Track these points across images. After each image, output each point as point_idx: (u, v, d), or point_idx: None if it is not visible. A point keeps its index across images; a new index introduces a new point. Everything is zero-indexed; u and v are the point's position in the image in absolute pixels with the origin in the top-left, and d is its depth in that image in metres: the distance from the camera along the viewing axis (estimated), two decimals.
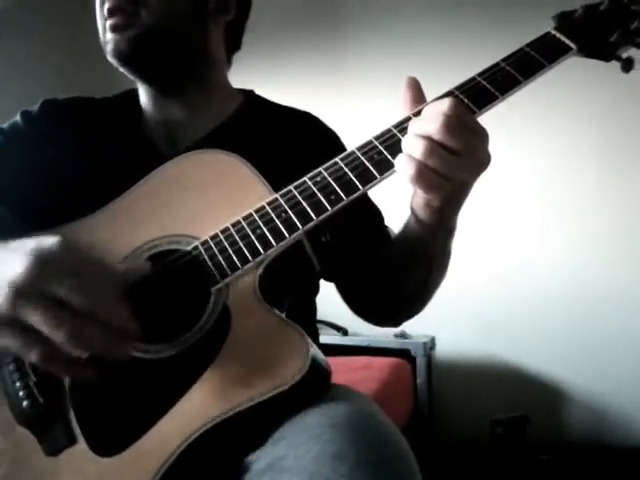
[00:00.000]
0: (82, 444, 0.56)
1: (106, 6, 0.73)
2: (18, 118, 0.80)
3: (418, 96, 0.62)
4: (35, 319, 0.48)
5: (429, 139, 0.55)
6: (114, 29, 0.73)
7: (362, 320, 0.86)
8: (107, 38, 0.74)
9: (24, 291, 0.48)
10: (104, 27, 0.74)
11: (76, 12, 2.44)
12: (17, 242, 0.52)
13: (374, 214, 0.85)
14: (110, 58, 0.75)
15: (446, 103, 0.56)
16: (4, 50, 2.21)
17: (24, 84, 2.17)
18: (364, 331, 2.18)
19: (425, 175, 0.55)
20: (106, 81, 1.99)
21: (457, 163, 0.55)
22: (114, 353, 0.51)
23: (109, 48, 0.74)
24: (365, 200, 0.83)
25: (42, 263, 0.49)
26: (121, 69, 0.76)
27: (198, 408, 0.54)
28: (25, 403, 0.58)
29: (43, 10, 2.36)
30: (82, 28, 2.42)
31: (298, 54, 2.38)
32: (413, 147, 0.56)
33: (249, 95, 0.87)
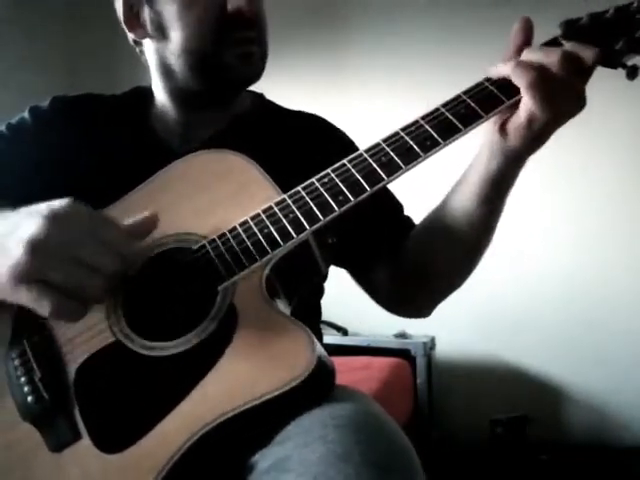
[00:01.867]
0: (86, 440, 0.56)
1: (241, 34, 0.73)
2: (26, 114, 0.80)
3: (526, 43, 0.64)
4: (54, 275, 0.49)
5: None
6: (248, 57, 0.74)
7: (396, 315, 0.85)
8: (230, 62, 0.73)
9: (40, 248, 0.49)
10: (222, 39, 0.73)
11: (76, 12, 2.45)
12: (26, 208, 0.54)
13: (394, 206, 0.84)
14: (225, 81, 0.76)
15: (584, 48, 0.59)
16: (4, 50, 2.21)
17: (24, 84, 2.17)
18: (364, 331, 2.19)
19: (541, 86, 0.57)
20: (106, 81, 1.99)
21: (572, 90, 0.59)
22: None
23: (234, 75, 0.75)
24: (385, 193, 0.82)
25: (56, 220, 0.50)
26: (227, 89, 0.78)
27: (203, 406, 0.54)
28: (30, 398, 0.58)
29: (43, 10, 2.37)
30: (82, 28, 2.43)
31: (298, 54, 2.38)
32: (539, 56, 0.59)
33: (259, 98, 0.88)
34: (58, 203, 0.52)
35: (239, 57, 0.73)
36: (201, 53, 0.73)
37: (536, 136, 0.62)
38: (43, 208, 0.52)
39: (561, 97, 0.59)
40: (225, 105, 0.81)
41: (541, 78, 0.58)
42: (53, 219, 0.50)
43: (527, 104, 0.59)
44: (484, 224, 0.70)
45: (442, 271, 0.76)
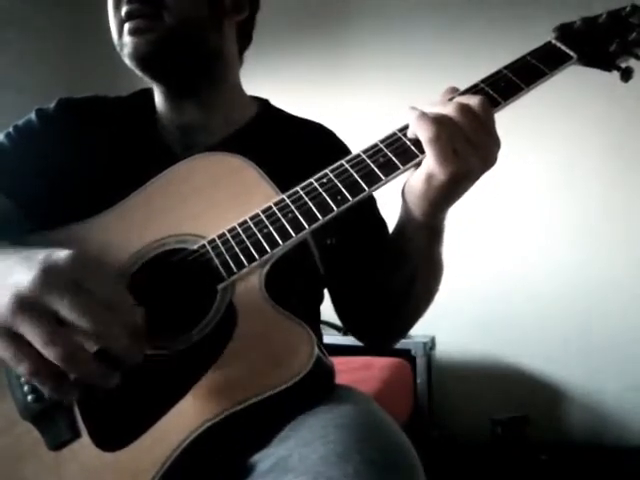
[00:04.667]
0: (85, 439, 0.56)
1: (124, 9, 0.71)
2: (33, 116, 0.80)
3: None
4: (31, 332, 0.47)
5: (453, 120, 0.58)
6: (134, 32, 0.71)
7: (355, 338, 0.85)
8: (124, 41, 0.72)
9: (26, 303, 0.47)
10: (120, 29, 0.73)
11: (76, 12, 2.46)
12: (28, 250, 0.52)
13: (378, 226, 0.84)
14: (128, 60, 0.73)
15: (476, 99, 0.59)
16: (4, 50, 2.21)
17: (24, 84, 2.18)
18: None
19: (443, 141, 0.57)
20: (106, 80, 2.00)
21: (471, 148, 0.58)
22: (103, 382, 0.50)
23: (127, 51, 0.72)
24: (372, 211, 0.83)
25: (49, 276, 0.48)
26: (137, 71, 0.75)
27: (202, 404, 0.54)
28: (29, 397, 0.58)
29: (43, 10, 2.37)
30: (82, 28, 2.43)
31: (299, 54, 2.39)
32: (439, 116, 0.58)
33: (265, 105, 0.87)
34: (59, 255, 0.49)
35: (128, 32, 0.72)
36: (117, 40, 0.74)
37: (433, 198, 0.61)
38: (41, 258, 0.49)
39: (464, 152, 0.58)
40: (190, 97, 0.79)
41: (442, 131, 0.57)
42: (46, 273, 0.48)
43: (427, 159, 0.59)
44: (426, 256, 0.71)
45: (399, 290, 0.75)
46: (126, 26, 0.72)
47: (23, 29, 2.30)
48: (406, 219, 0.67)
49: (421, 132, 0.58)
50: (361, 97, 2.28)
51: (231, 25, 0.81)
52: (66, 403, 0.54)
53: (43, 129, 0.79)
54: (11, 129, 0.80)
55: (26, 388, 0.59)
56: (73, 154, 0.77)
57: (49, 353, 0.46)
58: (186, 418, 0.54)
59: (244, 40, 0.86)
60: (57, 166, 0.75)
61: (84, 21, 2.41)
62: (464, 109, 0.58)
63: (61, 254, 0.49)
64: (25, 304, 0.47)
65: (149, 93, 0.84)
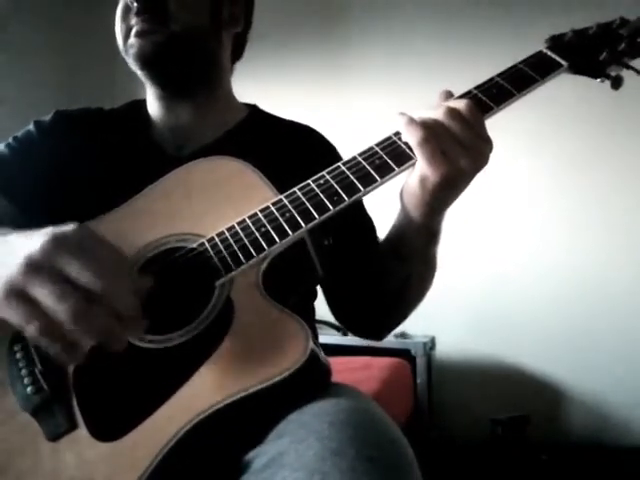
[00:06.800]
0: (82, 429, 0.57)
1: (133, 16, 0.77)
2: (31, 127, 0.85)
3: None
4: (41, 291, 0.48)
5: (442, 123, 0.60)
6: (140, 34, 0.77)
7: (347, 330, 0.88)
8: (130, 42, 0.78)
9: (36, 264, 0.49)
10: (127, 35, 0.79)
11: (76, 13, 2.46)
12: (32, 230, 0.54)
13: (368, 226, 0.88)
14: (132, 61, 0.79)
15: (463, 102, 0.61)
16: (4, 50, 2.22)
17: (24, 84, 2.19)
18: None
19: (431, 144, 0.59)
20: (105, 81, 2.00)
21: (461, 149, 0.60)
22: (113, 340, 0.51)
23: (132, 51, 0.78)
24: (361, 211, 0.87)
25: (58, 241, 0.50)
26: (139, 72, 0.80)
27: (197, 396, 0.55)
28: (30, 389, 0.60)
29: (43, 11, 2.38)
30: (82, 29, 2.44)
31: (298, 54, 2.40)
32: (427, 121, 0.60)
33: (253, 109, 0.92)
34: (63, 226, 0.52)
35: (135, 35, 0.77)
36: (122, 44, 0.80)
37: (429, 200, 0.63)
38: (47, 230, 0.52)
39: (453, 154, 0.60)
40: (185, 100, 0.84)
41: (430, 135, 0.59)
42: (54, 239, 0.50)
43: (419, 163, 0.61)
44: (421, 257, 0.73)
45: (393, 289, 0.78)
46: (133, 30, 0.77)
47: (23, 29, 2.30)
48: (404, 221, 0.69)
49: (410, 136, 0.61)
50: (361, 97, 2.29)
51: (228, 36, 0.87)
52: (75, 360, 0.53)
53: (41, 139, 0.84)
54: (10, 139, 0.84)
55: (27, 380, 0.60)
56: (70, 161, 0.80)
57: (61, 309, 0.48)
58: (181, 410, 0.55)
59: (237, 52, 0.92)
60: (55, 173, 0.79)
61: (84, 22, 2.42)
62: (452, 112, 0.61)
63: (69, 224, 0.53)
64: (36, 266, 0.49)
65: (141, 103, 0.89)
